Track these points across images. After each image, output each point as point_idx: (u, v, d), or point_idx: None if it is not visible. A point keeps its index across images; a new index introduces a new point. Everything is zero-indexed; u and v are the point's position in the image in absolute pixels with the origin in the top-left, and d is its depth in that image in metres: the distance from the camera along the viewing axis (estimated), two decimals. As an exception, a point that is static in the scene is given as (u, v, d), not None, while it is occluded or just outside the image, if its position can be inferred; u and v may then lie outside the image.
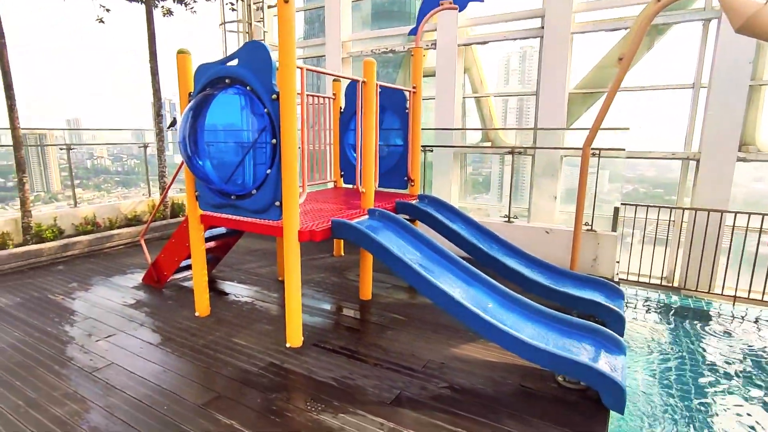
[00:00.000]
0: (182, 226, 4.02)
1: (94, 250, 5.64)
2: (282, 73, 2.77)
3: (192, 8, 7.01)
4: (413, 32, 4.37)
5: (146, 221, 6.58)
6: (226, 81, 3.04)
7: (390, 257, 2.88)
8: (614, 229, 4.43)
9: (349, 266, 5.05)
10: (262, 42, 2.90)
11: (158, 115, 6.54)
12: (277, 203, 2.96)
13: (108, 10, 6.53)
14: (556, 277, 3.74)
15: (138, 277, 4.65)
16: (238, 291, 4.28)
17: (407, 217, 4.05)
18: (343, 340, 3.24)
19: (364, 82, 3.51)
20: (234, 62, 3.05)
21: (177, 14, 7.09)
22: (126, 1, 6.75)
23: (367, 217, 3.52)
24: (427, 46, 5.99)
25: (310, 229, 2.99)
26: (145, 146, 7.04)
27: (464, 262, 3.15)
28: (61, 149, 6.25)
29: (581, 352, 2.60)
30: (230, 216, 3.30)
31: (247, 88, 2.94)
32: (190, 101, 3.31)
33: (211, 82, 3.12)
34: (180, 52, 3.31)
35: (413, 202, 4.19)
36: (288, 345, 3.12)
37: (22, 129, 5.31)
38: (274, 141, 2.89)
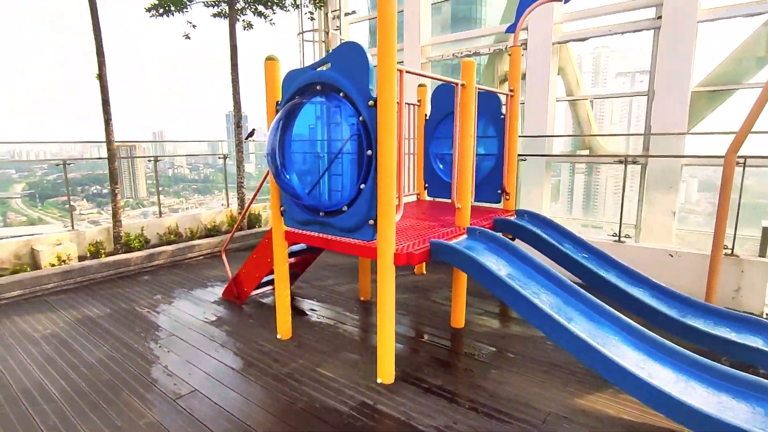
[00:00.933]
0: (264, 241, 3.86)
1: (177, 260, 5.71)
2: (381, 76, 2.46)
3: (271, 20, 7.05)
4: (511, 29, 3.93)
5: (225, 231, 6.63)
6: (317, 87, 2.79)
7: (503, 288, 2.45)
8: (763, 254, 3.67)
9: (434, 286, 4.66)
10: (358, 43, 2.62)
11: (238, 126, 6.58)
12: (371, 221, 2.64)
13: (194, 26, 6.71)
14: (692, 311, 3.09)
15: (218, 291, 4.57)
16: (318, 311, 4.03)
17: (507, 235, 3.59)
18: (439, 378, 2.85)
19: (462, 84, 3.13)
20: (326, 67, 2.79)
21: (255, 26, 7.16)
22: (211, 16, 6.92)
23: (465, 236, 3.12)
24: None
25: (407, 252, 2.64)
26: (224, 157, 7.13)
27: (582, 290, 2.64)
28: (148, 161, 6.46)
29: (756, 420, 2.01)
30: (317, 234, 3.04)
31: (341, 94, 2.67)
32: (277, 111, 3.11)
33: (300, 89, 2.88)
34: (268, 58, 3.13)
35: (512, 218, 3.72)
36: (379, 381, 2.78)
37: (116, 142, 5.51)
38: (369, 152, 2.58)
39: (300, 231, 3.16)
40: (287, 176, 2.95)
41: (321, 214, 2.91)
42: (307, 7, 7.08)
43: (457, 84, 3.12)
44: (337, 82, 2.68)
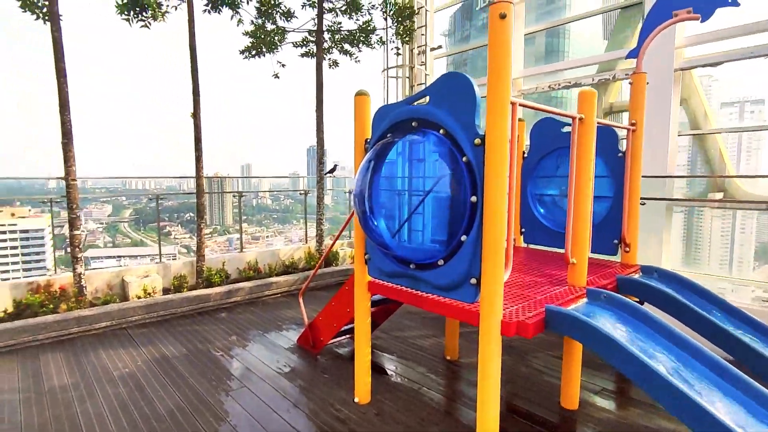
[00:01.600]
0: (344, 288, 3.55)
1: (254, 297, 5.62)
2: (492, 109, 2.07)
3: (356, 58, 7.06)
4: (633, 54, 3.39)
5: (302, 268, 6.49)
6: (413, 124, 2.47)
7: (661, 386, 1.86)
8: None
9: (533, 348, 4.03)
10: (463, 73, 2.27)
11: (320, 162, 6.53)
12: (473, 280, 2.20)
13: (283, 66, 6.90)
14: None
15: (293, 336, 4.32)
16: (399, 369, 3.60)
17: (632, 298, 2.94)
18: (555, 481, 2.26)
19: (581, 118, 2.65)
20: (423, 101, 2.47)
21: (339, 64, 7.21)
22: (299, 56, 7.09)
23: (586, 301, 2.55)
24: (626, 75, 4.89)
25: (517, 320, 2.15)
26: (305, 193, 7.11)
27: (744, 375, 1.95)
28: (234, 196, 6.59)
29: None
30: (406, 288, 2.65)
31: (440, 131, 2.31)
32: (366, 149, 2.83)
33: (393, 126, 2.58)
34: (359, 93, 2.89)
35: (638, 276, 3.07)
36: (479, 478, 2.25)
37: (206, 177, 5.64)
38: (473, 198, 2.17)
39: (387, 283, 2.80)
40: (375, 222, 2.63)
41: (412, 266, 2.52)
42: (393, 42, 7.01)
43: (574, 118, 2.65)
44: (436, 118, 2.33)
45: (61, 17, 4.53)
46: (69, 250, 4.68)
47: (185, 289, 5.35)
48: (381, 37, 6.78)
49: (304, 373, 3.53)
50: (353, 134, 2.93)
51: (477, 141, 2.15)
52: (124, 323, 4.63)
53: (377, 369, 3.56)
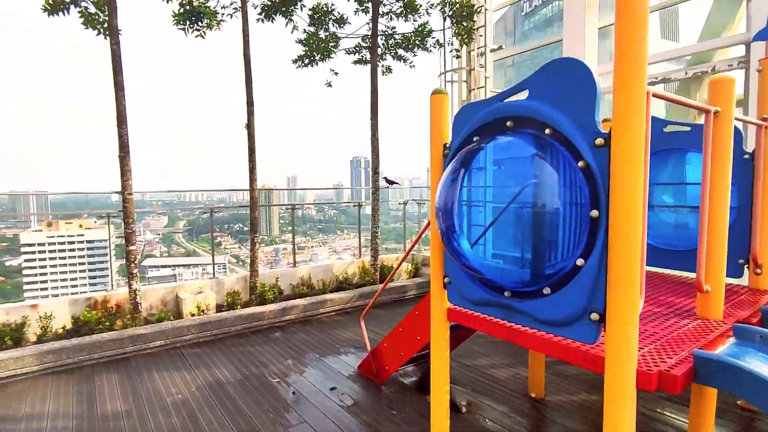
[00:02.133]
0: (414, 313, 3.16)
1: (308, 315, 5.34)
2: (621, 100, 1.64)
3: (411, 63, 6.74)
4: (762, 36, 2.83)
5: (356, 284, 6.17)
6: (507, 124, 2.06)
7: None
8: None
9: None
10: (576, 59, 1.84)
11: (375, 173, 6.22)
12: (594, 315, 1.74)
13: (336, 74, 6.69)
14: None
15: (352, 361, 3.98)
16: (477, 408, 3.14)
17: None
18: None
19: (716, 112, 2.14)
20: (521, 96, 2.06)
21: (393, 70, 6.91)
22: (352, 63, 6.87)
23: (734, 341, 2.01)
24: (729, 66, 4.25)
25: (658, 370, 1.67)
26: (359, 205, 6.82)
27: None
28: (286, 209, 6.40)
29: None
30: (498, 320, 2.22)
31: (546, 131, 1.89)
32: (445, 155, 2.45)
33: (481, 127, 2.19)
34: (435, 92, 2.52)
35: (784, 307, 2.48)
36: None
37: (258, 189, 5.47)
38: (594, 212, 1.73)
39: (470, 312, 2.38)
40: (460, 240, 2.23)
41: (506, 294, 2.09)
42: (451, 45, 6.64)
43: (708, 111, 2.14)
44: (540, 115, 1.91)
45: (120, 31, 4.50)
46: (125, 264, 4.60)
47: (238, 306, 5.16)
48: (438, 40, 6.43)
49: (369, 407, 3.16)
50: (429, 138, 2.56)
51: (599, 141, 1.72)
52: (178, 342, 4.46)
53: (450, 405, 3.13)
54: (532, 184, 2.03)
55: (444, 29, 6.49)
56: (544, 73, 1.92)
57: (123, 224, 4.54)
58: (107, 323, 4.34)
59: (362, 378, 3.64)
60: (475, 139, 2.21)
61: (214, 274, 5.66)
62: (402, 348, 3.26)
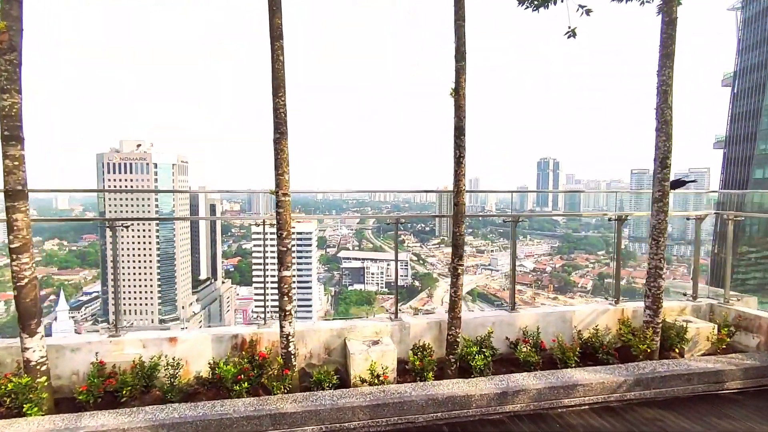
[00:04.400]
0: None
1: (544, 408, 3.13)
2: None
3: None
4: None
5: (608, 350, 3.67)
6: None
7: None
8: None
9: None
10: None
11: (663, 167, 3.57)
12: None
13: (589, 12, 4.25)
14: None
15: None
16: None
17: None
18: None
19: None
20: None
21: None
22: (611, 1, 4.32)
23: None
24: None
25: None
26: (620, 219, 4.23)
27: None
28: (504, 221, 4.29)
29: None
30: None
31: None
32: None
33: None
34: None
35: None
36: None
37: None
38: None
39: None
40: None
41: None
42: None
43: None
44: None
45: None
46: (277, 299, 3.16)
47: (429, 374, 3.28)
48: None
49: None
50: None
51: None
52: (338, 430, 2.80)
53: None
54: None
55: None
56: None
57: (276, 238, 3.11)
58: (245, 384, 2.95)
59: None
60: None
61: (396, 314, 3.90)
62: None
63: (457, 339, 3.45)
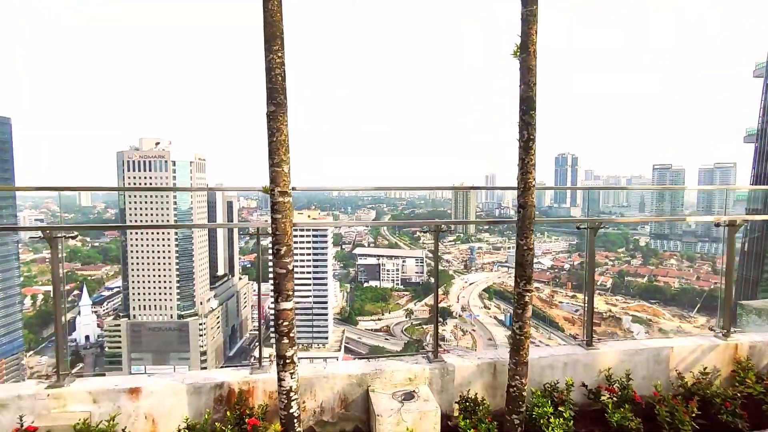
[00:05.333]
0: None
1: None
2: None
3: None
4: None
5: (727, 401, 2.66)
6: None
7: None
8: None
9: None
10: None
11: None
12: None
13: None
14: None
15: None
16: None
17: None
18: None
19: None
20: None
21: None
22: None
23: None
24: None
25: None
26: (733, 225, 3.21)
27: None
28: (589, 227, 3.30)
29: None
30: None
31: None
32: None
33: None
34: None
35: None
36: None
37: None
38: None
39: None
40: None
41: None
42: None
43: None
44: None
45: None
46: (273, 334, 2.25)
47: (487, 444, 2.34)
48: None
49: None
50: None
51: None
52: None
53: None
54: None
55: None
56: None
57: (272, 247, 2.20)
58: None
59: None
60: None
61: (436, 353, 2.96)
62: None
63: (523, 392, 2.49)
